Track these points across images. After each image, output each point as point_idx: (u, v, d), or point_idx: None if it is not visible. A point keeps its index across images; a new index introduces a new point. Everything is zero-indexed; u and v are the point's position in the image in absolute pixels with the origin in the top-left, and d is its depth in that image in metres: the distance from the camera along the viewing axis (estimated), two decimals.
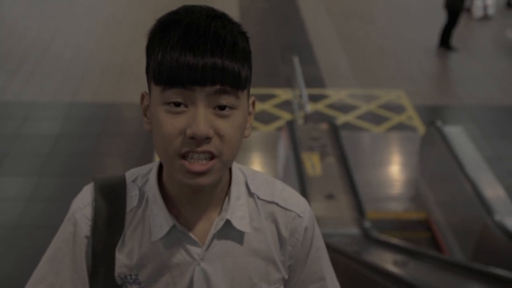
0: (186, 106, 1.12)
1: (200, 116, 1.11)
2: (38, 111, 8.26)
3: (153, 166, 1.31)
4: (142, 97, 1.25)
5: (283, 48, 10.47)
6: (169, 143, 1.13)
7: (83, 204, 1.30)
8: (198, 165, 1.13)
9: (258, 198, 1.33)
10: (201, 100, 1.11)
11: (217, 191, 1.27)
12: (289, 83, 8.77)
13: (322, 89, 9.19)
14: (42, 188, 6.68)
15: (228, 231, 1.28)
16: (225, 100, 1.13)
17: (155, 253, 1.27)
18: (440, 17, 10.69)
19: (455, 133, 6.58)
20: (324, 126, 6.83)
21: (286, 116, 8.31)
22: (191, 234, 1.26)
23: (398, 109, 8.68)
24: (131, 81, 8.77)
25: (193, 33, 1.11)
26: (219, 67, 1.10)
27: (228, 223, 1.27)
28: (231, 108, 1.14)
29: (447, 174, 6.26)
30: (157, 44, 1.13)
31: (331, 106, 8.72)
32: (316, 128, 6.79)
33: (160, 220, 1.25)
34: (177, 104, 1.12)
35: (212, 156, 1.14)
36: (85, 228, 1.29)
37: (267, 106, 8.55)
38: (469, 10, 11.77)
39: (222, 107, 1.13)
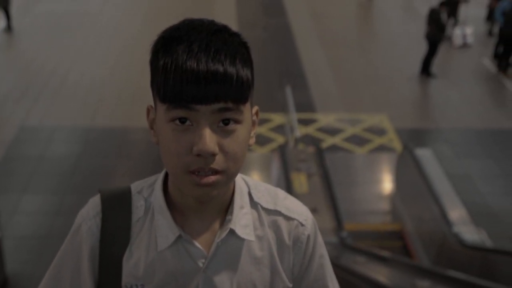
0: (191, 121, 1.16)
1: (205, 134, 1.14)
2: (60, 134, 9.29)
3: (158, 177, 1.34)
4: (148, 110, 1.27)
5: (278, 75, 11.50)
6: (178, 160, 1.17)
7: (90, 216, 1.32)
8: (206, 179, 1.17)
9: (261, 207, 1.35)
10: (205, 117, 1.15)
11: (221, 201, 1.31)
12: (283, 108, 9.78)
13: (312, 113, 10.21)
14: (66, 203, 7.67)
15: (232, 240, 1.30)
16: (229, 115, 1.16)
17: (161, 263, 1.29)
18: (422, 47, 11.72)
19: (425, 155, 7.58)
20: (311, 149, 7.85)
21: (279, 139, 9.32)
22: (196, 243, 1.28)
23: (380, 132, 9.69)
24: (142, 107, 9.75)
25: (194, 54, 1.14)
26: (222, 88, 1.13)
27: (232, 232, 1.30)
28: (235, 122, 1.17)
29: (416, 191, 7.25)
30: (160, 63, 1.17)
31: (320, 130, 9.74)
32: (304, 151, 7.82)
33: (165, 230, 1.28)
34: (183, 121, 1.15)
35: (217, 170, 1.18)
36: (92, 239, 1.30)
37: (263, 129, 9.56)
38: (450, 39, 12.78)
39: (226, 122, 1.16)
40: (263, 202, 1.36)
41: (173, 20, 1.19)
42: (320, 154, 7.57)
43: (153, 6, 14.61)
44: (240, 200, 1.33)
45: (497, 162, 9.04)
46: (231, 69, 1.14)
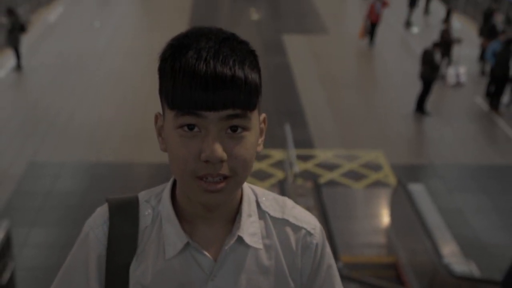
0: (199, 128, 1.16)
1: (213, 141, 1.14)
2: (67, 170, 9.65)
3: (166, 186, 1.34)
4: (156, 117, 1.27)
5: (279, 113, 11.91)
6: (185, 166, 1.17)
7: (97, 224, 1.31)
8: (214, 185, 1.18)
9: (269, 215, 1.34)
10: (213, 124, 1.15)
11: (229, 209, 1.30)
12: (283, 144, 10.14)
13: (311, 149, 10.58)
14: (73, 236, 7.94)
15: (241, 248, 1.30)
16: (237, 122, 1.16)
17: (169, 271, 1.28)
18: (416, 86, 12.15)
19: (417, 190, 7.92)
20: (309, 184, 8.20)
21: (279, 174, 9.67)
22: (204, 251, 1.28)
23: (376, 167, 10.04)
24: (146, 143, 10.15)
25: (203, 60, 1.14)
26: (230, 95, 1.14)
27: (240, 239, 1.29)
28: (243, 129, 1.18)
29: (410, 225, 7.57)
30: (169, 69, 1.18)
31: (319, 165, 10.10)
32: (302, 186, 8.17)
33: (173, 237, 1.28)
34: (191, 127, 1.16)
35: (226, 176, 1.18)
36: (99, 247, 1.30)
37: (263, 165, 9.91)
38: (444, 78, 13.23)
39: (234, 129, 1.16)
40: (271, 211, 1.35)
41: None
42: (318, 188, 7.91)
43: (157, 48, 15.10)
44: (248, 208, 1.32)
45: (489, 197, 9.36)
46: (239, 74, 1.15)
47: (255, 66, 1.20)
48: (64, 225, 8.26)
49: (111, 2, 19.18)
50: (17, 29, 13.26)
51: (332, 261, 1.40)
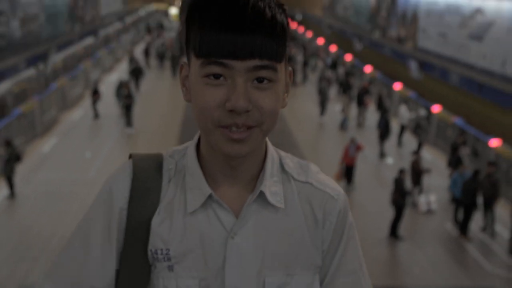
0: (225, 78, 1.13)
1: (239, 90, 1.12)
2: None
3: (191, 143, 1.32)
4: (181, 67, 1.24)
5: None
6: (209, 114, 1.15)
7: (120, 178, 1.29)
8: (238, 134, 1.15)
9: (293, 177, 1.32)
10: (240, 74, 1.13)
11: (253, 167, 1.28)
12: None
13: None
14: None
15: (262, 206, 1.27)
16: (264, 73, 1.14)
17: (190, 226, 1.25)
18: (390, 212, 12.92)
19: None
20: None
21: None
22: (225, 205, 1.25)
23: None
24: None
25: (232, 8, 1.12)
26: (258, 43, 1.12)
27: (262, 197, 1.26)
28: (270, 81, 1.15)
29: None
30: (197, 18, 1.15)
31: None
32: None
33: (196, 191, 1.25)
34: (217, 76, 1.14)
35: (251, 126, 1.16)
36: (121, 200, 1.28)
37: None
38: (416, 205, 14.03)
39: (260, 80, 1.14)
40: (294, 173, 1.33)
41: None
42: None
43: None
44: (271, 168, 1.31)
45: None
46: (268, 18, 1.14)
47: (285, 18, 1.20)
48: None
49: (101, 136, 20.24)
50: (13, 159, 13.99)
51: (354, 232, 1.37)
